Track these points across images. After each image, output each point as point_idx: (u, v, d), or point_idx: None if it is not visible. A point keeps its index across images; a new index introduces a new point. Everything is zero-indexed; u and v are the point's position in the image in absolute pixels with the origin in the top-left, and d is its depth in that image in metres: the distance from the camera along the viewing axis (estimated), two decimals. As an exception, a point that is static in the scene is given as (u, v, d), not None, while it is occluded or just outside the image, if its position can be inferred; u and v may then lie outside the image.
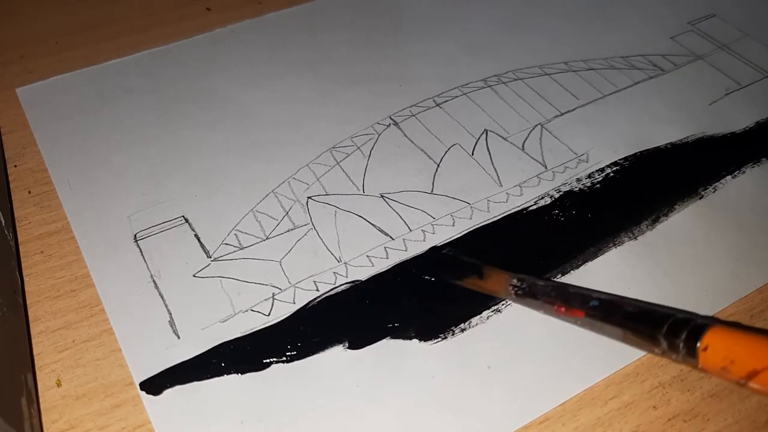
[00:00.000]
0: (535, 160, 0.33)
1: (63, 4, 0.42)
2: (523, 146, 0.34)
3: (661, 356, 0.22)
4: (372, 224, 0.30)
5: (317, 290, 0.28)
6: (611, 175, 0.33)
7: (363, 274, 0.28)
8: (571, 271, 0.29)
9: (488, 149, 0.34)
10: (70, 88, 0.36)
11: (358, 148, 0.34)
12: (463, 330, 0.27)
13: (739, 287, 0.29)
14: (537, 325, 0.27)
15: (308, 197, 0.31)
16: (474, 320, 0.27)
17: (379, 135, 0.34)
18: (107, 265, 0.28)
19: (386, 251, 0.29)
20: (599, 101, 0.36)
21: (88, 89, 0.36)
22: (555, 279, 0.28)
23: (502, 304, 0.28)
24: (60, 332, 0.26)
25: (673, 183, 0.32)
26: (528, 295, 0.26)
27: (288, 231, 0.30)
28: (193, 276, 0.28)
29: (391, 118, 0.35)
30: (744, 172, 0.33)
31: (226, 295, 0.28)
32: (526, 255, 0.29)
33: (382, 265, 0.29)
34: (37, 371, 0.25)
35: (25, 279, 0.28)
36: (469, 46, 0.40)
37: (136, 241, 0.29)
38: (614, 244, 0.30)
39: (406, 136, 0.34)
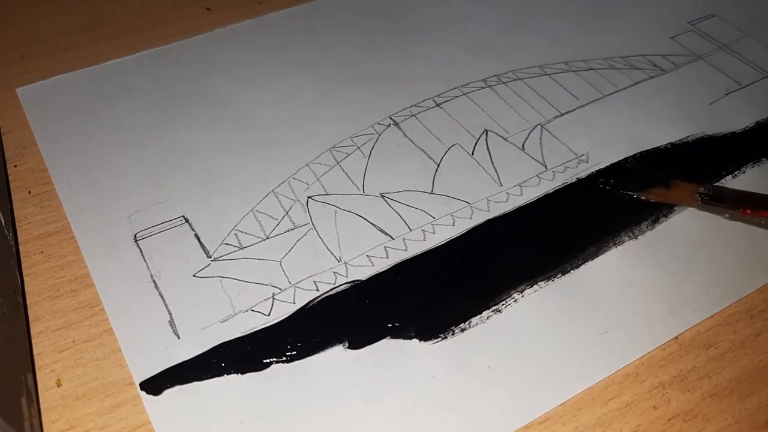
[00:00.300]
0: (536, 160, 0.33)
1: (63, 4, 0.42)
2: (523, 146, 0.34)
3: None
4: (372, 224, 0.30)
5: (317, 290, 0.28)
6: (611, 174, 0.33)
7: (363, 273, 0.28)
8: (571, 271, 0.29)
9: (488, 149, 0.34)
10: (70, 88, 0.36)
11: (358, 148, 0.34)
12: (463, 330, 0.27)
13: (739, 287, 0.29)
14: (537, 325, 0.27)
15: (308, 197, 0.31)
16: (474, 320, 0.27)
17: (379, 135, 0.34)
18: (107, 265, 0.28)
19: (386, 251, 0.29)
20: (599, 101, 0.36)
21: (88, 89, 0.36)
22: (556, 278, 0.29)
23: (502, 305, 0.28)
24: (60, 332, 0.26)
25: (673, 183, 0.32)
26: (714, 200, 0.29)
27: (288, 231, 0.30)
28: (193, 276, 0.28)
29: (391, 118, 0.35)
30: (744, 171, 0.33)
31: (226, 295, 0.28)
32: (526, 254, 0.29)
33: (382, 265, 0.29)
34: (37, 371, 0.25)
35: (25, 279, 0.28)
36: (469, 46, 0.40)
37: (136, 241, 0.29)
38: (614, 244, 0.30)
39: (406, 136, 0.34)
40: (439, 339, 0.27)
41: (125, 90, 0.36)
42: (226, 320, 0.27)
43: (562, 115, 0.36)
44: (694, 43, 0.40)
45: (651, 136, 0.34)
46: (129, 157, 0.33)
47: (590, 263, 0.29)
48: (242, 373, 0.25)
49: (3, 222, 0.28)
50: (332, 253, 0.29)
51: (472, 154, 0.34)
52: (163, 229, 0.30)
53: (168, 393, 0.25)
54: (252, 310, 0.27)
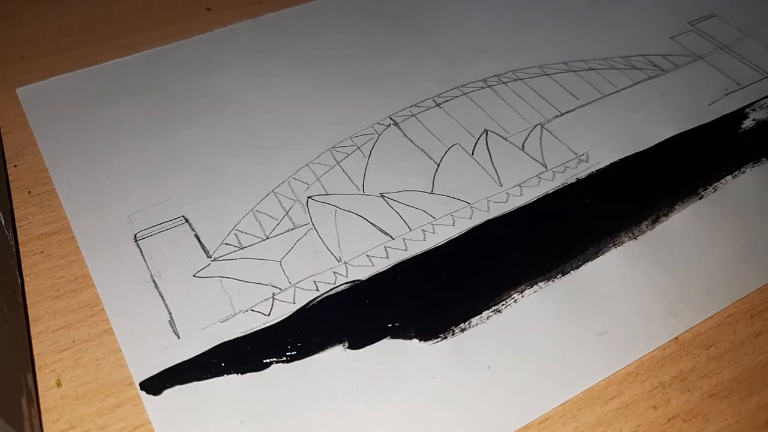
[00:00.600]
0: (535, 160, 0.33)
1: (63, 4, 0.42)
2: (523, 146, 0.34)
3: None
4: (372, 224, 0.30)
5: (317, 290, 0.28)
6: (611, 175, 0.33)
7: (363, 273, 0.28)
8: (572, 271, 0.29)
9: (488, 149, 0.34)
10: (70, 88, 0.36)
11: (358, 148, 0.34)
12: (463, 330, 0.27)
13: (739, 287, 0.29)
14: (537, 325, 0.27)
15: (308, 197, 0.31)
16: (474, 320, 0.27)
17: (379, 135, 0.34)
18: (107, 265, 0.28)
19: (386, 251, 0.29)
20: (599, 101, 0.36)
21: (88, 89, 0.36)
22: (556, 278, 0.29)
23: (502, 305, 0.28)
24: (60, 332, 0.26)
25: (673, 183, 0.32)
26: None
27: (288, 231, 0.30)
28: (193, 276, 0.28)
29: (391, 118, 0.35)
30: (744, 171, 0.33)
31: (226, 295, 0.28)
32: (526, 254, 0.29)
33: (382, 265, 0.29)
34: (37, 371, 0.25)
35: (25, 279, 0.28)
36: (469, 46, 0.40)
37: (136, 241, 0.29)
38: (614, 244, 0.30)
39: (406, 136, 0.34)
40: (439, 339, 0.27)
41: (125, 90, 0.36)
42: (226, 320, 0.27)
43: (562, 115, 0.36)
44: (694, 43, 0.40)
45: (651, 136, 0.35)
46: (129, 157, 0.33)
47: (590, 263, 0.29)
48: (242, 373, 0.25)
49: (3, 222, 0.28)
50: (332, 253, 0.29)
51: (472, 154, 0.34)
52: (163, 229, 0.30)
53: (168, 393, 0.25)
54: (252, 310, 0.27)
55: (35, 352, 0.26)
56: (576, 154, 0.34)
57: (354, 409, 0.25)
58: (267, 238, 0.30)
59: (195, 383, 0.25)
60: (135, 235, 0.30)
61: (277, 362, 0.26)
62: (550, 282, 0.28)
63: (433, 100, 0.36)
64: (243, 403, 0.25)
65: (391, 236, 0.30)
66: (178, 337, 0.26)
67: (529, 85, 0.37)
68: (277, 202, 0.31)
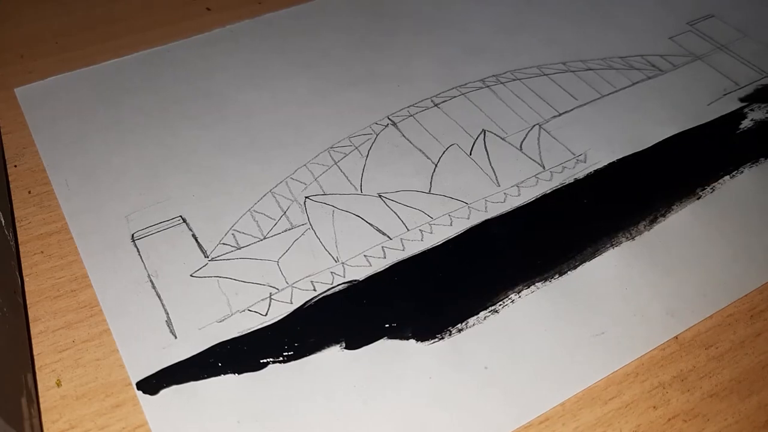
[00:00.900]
0: (533, 160, 0.33)
1: (63, 4, 0.42)
2: (521, 146, 0.34)
3: None
4: (370, 224, 0.30)
5: (314, 290, 0.28)
6: (609, 175, 0.33)
7: (360, 273, 0.28)
8: (569, 272, 0.29)
9: (486, 149, 0.34)
10: (70, 88, 0.37)
11: (356, 148, 0.34)
12: (460, 330, 0.27)
13: (737, 288, 0.29)
14: (534, 325, 0.27)
15: (306, 197, 0.31)
16: (471, 321, 0.27)
17: (377, 135, 0.34)
18: (105, 266, 0.28)
19: (384, 251, 0.29)
20: (597, 101, 0.36)
21: (88, 89, 0.36)
22: (553, 279, 0.29)
23: (500, 305, 0.28)
24: (60, 332, 0.27)
25: (671, 183, 0.32)
26: None
27: (285, 231, 0.30)
28: (191, 276, 0.28)
29: (389, 118, 0.35)
30: (742, 172, 0.33)
31: (224, 295, 0.28)
32: (524, 255, 0.29)
33: (380, 265, 0.29)
34: (37, 371, 0.25)
35: (25, 279, 0.28)
36: (468, 46, 0.40)
37: (134, 241, 0.29)
38: (612, 245, 0.30)
39: (404, 136, 0.34)
40: (436, 339, 0.27)
41: (125, 90, 0.36)
42: (223, 320, 0.27)
43: (560, 115, 0.36)
44: (692, 43, 0.40)
45: (649, 136, 0.34)
46: (127, 157, 0.33)
47: (588, 264, 0.29)
48: (239, 373, 0.25)
49: (3, 222, 0.28)
50: (330, 253, 0.29)
51: (470, 154, 0.34)
52: (161, 229, 0.30)
53: (165, 392, 0.25)
54: (249, 310, 0.27)
55: (35, 352, 0.26)
56: (574, 154, 0.34)
57: (351, 409, 0.25)
58: (264, 238, 0.30)
59: (192, 383, 0.25)
60: (132, 235, 0.30)
61: (274, 362, 0.26)
62: (548, 282, 0.28)
63: (432, 100, 0.36)
64: (240, 403, 0.25)
65: (388, 236, 0.30)
66: (175, 337, 0.26)
67: (528, 86, 0.37)
68: (274, 202, 0.31)
